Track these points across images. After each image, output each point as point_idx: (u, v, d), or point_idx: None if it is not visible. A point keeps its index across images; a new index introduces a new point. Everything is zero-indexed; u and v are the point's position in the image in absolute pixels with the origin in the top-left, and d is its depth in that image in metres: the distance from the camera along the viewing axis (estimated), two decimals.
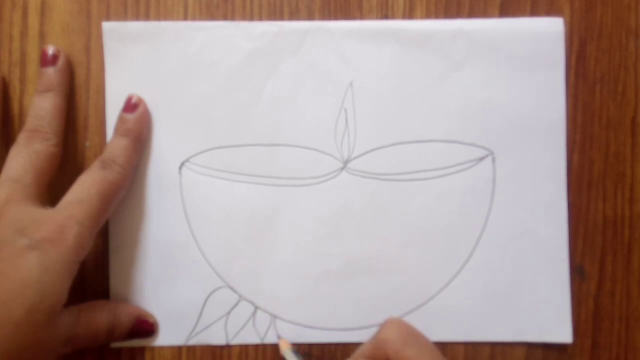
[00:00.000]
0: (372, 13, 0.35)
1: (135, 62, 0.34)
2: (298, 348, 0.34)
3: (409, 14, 0.35)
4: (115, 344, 0.34)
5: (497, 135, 0.35)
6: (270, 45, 0.35)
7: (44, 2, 0.35)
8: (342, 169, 0.35)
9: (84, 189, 0.31)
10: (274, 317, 0.35)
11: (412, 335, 0.29)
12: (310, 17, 0.35)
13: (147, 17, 0.35)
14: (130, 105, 0.34)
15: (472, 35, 0.35)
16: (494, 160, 0.35)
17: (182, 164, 0.35)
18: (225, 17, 0.35)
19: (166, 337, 0.34)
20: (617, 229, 0.35)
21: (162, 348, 0.35)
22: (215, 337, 0.35)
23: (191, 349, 0.35)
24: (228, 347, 0.35)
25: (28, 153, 0.31)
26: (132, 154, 0.33)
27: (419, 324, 0.34)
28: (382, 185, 0.35)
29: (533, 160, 0.35)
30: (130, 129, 0.33)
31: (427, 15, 0.35)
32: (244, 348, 0.35)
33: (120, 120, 0.33)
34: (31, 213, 0.30)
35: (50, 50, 0.34)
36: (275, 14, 0.35)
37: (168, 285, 0.34)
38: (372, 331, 0.34)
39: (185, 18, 0.35)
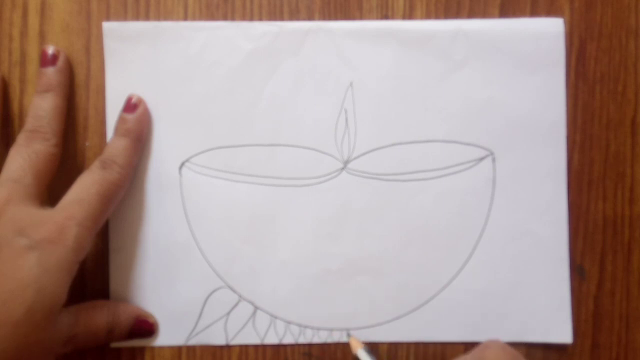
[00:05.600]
0: (372, 13, 0.35)
1: (135, 62, 0.34)
2: (371, 347, 0.34)
3: (409, 14, 0.35)
4: (115, 344, 0.34)
5: (497, 135, 0.35)
6: (271, 46, 0.35)
7: (44, 2, 0.35)
8: (342, 169, 0.35)
9: (84, 189, 0.31)
10: (273, 317, 0.35)
11: None
12: (310, 17, 0.35)
13: (147, 17, 0.35)
14: (130, 106, 0.34)
15: (472, 36, 0.35)
16: (494, 160, 0.35)
17: (182, 164, 0.35)
18: (225, 17, 0.35)
19: (166, 337, 0.34)
20: (617, 229, 0.35)
21: (162, 348, 0.35)
22: (215, 337, 0.35)
23: (191, 349, 0.35)
24: (228, 348, 0.35)
25: (28, 153, 0.31)
26: (132, 154, 0.33)
27: (419, 324, 0.34)
28: (382, 185, 0.35)
29: (533, 160, 0.35)
30: (130, 129, 0.33)
31: (427, 15, 0.35)
32: (244, 348, 0.35)
33: (120, 121, 0.33)
34: (31, 213, 0.30)
35: (50, 50, 0.34)
36: (275, 14, 0.35)
37: (168, 285, 0.34)
38: (372, 331, 0.34)
39: (185, 18, 0.35)
